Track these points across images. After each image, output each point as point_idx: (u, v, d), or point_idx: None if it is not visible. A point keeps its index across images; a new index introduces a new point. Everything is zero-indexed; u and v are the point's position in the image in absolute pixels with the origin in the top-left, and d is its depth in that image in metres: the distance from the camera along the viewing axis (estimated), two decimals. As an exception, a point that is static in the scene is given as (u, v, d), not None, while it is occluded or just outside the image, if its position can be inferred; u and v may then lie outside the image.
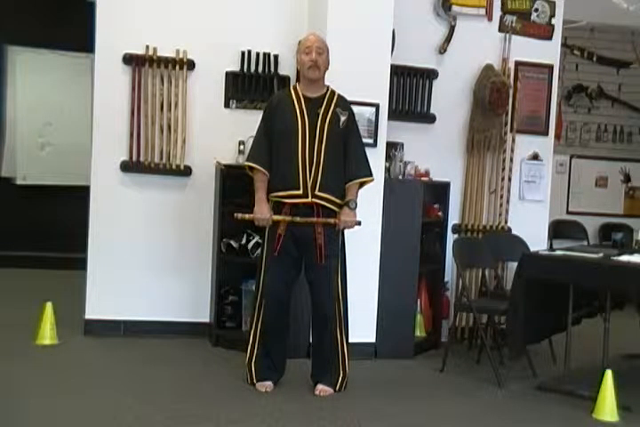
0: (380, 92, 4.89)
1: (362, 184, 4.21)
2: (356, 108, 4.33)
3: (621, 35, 7.82)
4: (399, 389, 4.41)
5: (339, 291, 4.16)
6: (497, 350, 4.96)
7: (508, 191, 5.68)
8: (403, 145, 5.24)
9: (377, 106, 4.86)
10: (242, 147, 5.08)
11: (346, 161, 4.15)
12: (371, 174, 4.21)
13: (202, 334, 5.16)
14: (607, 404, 3.97)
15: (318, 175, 4.06)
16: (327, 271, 4.13)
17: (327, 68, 4.18)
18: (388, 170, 5.05)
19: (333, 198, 4.12)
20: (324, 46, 4.16)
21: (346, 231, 4.21)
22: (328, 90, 4.19)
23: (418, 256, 5.06)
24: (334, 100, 4.16)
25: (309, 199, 4.07)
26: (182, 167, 5.19)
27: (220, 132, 5.21)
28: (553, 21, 5.76)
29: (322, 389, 4.16)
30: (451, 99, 5.51)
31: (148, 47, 5.11)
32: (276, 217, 4.10)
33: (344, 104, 4.20)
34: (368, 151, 4.28)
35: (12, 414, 3.58)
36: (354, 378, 4.30)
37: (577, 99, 8.02)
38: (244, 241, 5.00)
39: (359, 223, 4.19)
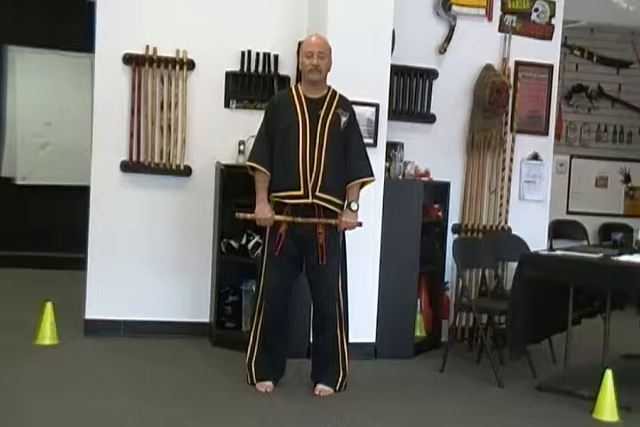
0: (380, 92, 4.89)
1: (363, 184, 4.21)
2: (356, 108, 4.32)
3: (621, 35, 7.82)
4: (399, 389, 4.41)
5: (339, 291, 4.16)
6: (497, 350, 4.96)
7: (508, 191, 5.68)
8: (403, 145, 5.24)
9: (377, 106, 4.86)
10: (242, 147, 5.08)
11: (347, 161, 4.15)
12: (372, 174, 4.21)
13: (202, 334, 5.16)
14: (607, 404, 3.97)
15: (319, 176, 4.06)
16: (327, 272, 4.13)
17: (329, 70, 4.17)
18: (388, 170, 5.05)
19: (334, 199, 4.11)
20: (327, 49, 4.15)
21: (346, 231, 4.21)
22: (329, 90, 4.19)
23: (418, 256, 5.06)
24: (335, 101, 4.16)
25: (310, 200, 4.07)
26: (182, 167, 5.19)
27: (220, 132, 5.21)
28: (553, 21, 5.76)
29: (322, 389, 4.16)
30: (451, 99, 5.51)
31: (148, 47, 5.11)
32: (278, 217, 4.10)
33: (345, 105, 4.20)
34: (368, 151, 4.28)
35: (12, 414, 3.58)
36: (354, 378, 4.30)
37: (577, 99, 8.02)
38: (244, 241, 5.00)
39: (360, 224, 4.19)
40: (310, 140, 4.07)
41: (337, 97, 4.18)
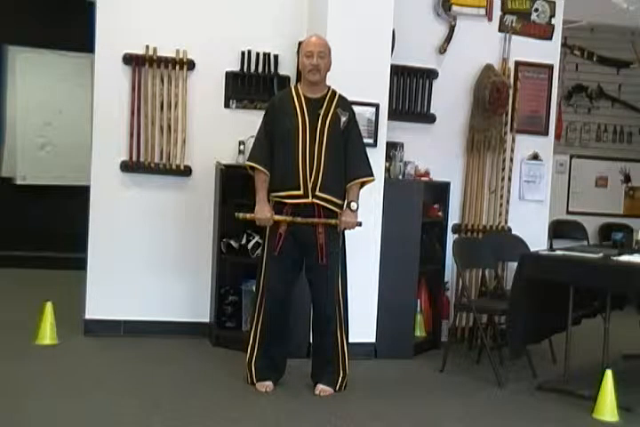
0: (380, 92, 4.89)
1: (363, 184, 4.21)
2: (356, 108, 4.32)
3: (621, 35, 7.81)
4: (399, 389, 4.41)
5: (339, 291, 4.15)
6: (497, 350, 4.96)
7: (508, 191, 5.68)
8: (403, 145, 5.25)
9: (377, 106, 4.86)
10: (242, 147, 5.08)
11: (346, 161, 4.15)
12: (371, 174, 4.21)
13: (202, 334, 5.17)
14: (607, 404, 3.97)
15: (319, 176, 4.06)
16: (327, 271, 4.12)
17: (329, 70, 4.18)
18: (388, 170, 5.05)
19: (334, 199, 4.11)
20: (326, 49, 4.15)
21: (346, 231, 4.21)
22: (329, 90, 4.19)
23: (418, 256, 5.06)
24: (335, 101, 4.16)
25: (310, 200, 4.07)
26: (182, 167, 5.19)
27: (220, 132, 5.21)
28: (553, 21, 5.76)
29: (322, 389, 4.16)
30: (451, 99, 5.51)
31: (148, 47, 5.11)
32: (277, 217, 4.10)
33: (345, 104, 4.20)
34: (368, 151, 4.28)
35: (12, 414, 3.58)
36: (354, 378, 4.30)
37: (577, 99, 8.02)
38: (244, 241, 5.00)
39: (360, 224, 4.19)
40: (310, 140, 4.07)
41: (337, 97, 4.18)
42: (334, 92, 4.20)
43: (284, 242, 4.11)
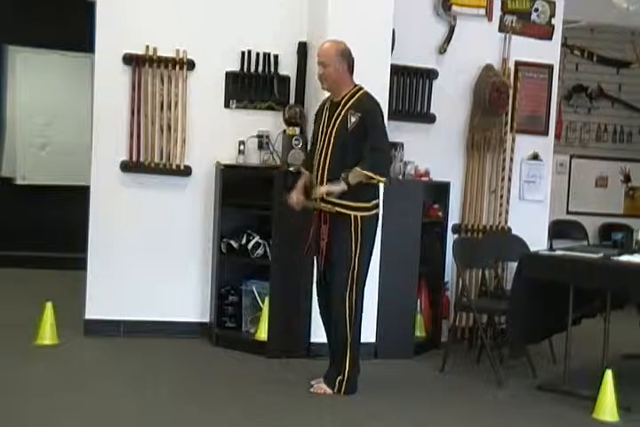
0: (380, 92, 4.87)
1: (370, 179, 4.05)
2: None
3: (621, 35, 7.82)
4: (399, 389, 4.41)
5: (344, 290, 4.10)
6: (497, 350, 4.96)
7: (508, 191, 5.68)
8: (403, 145, 5.24)
9: (377, 106, 4.86)
10: (242, 147, 5.08)
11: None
12: (371, 169, 4.02)
13: (202, 334, 5.17)
14: (607, 404, 3.97)
15: (324, 179, 4.09)
16: (334, 268, 4.13)
17: (346, 71, 4.14)
18: (387, 170, 5.05)
19: (341, 201, 4.06)
20: (328, 58, 4.12)
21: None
22: (349, 92, 4.16)
23: (418, 256, 5.07)
24: (351, 102, 4.12)
25: (317, 202, 4.12)
26: (182, 167, 5.19)
27: (219, 132, 5.21)
28: (553, 21, 5.76)
29: (317, 387, 4.17)
30: (451, 99, 5.51)
31: (148, 47, 5.11)
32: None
33: (360, 105, 4.11)
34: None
35: (12, 414, 3.58)
36: (354, 378, 4.30)
37: (577, 99, 8.02)
38: (244, 241, 5.00)
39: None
40: (322, 143, 4.13)
41: (355, 98, 4.13)
42: (354, 94, 4.15)
43: (311, 243, 4.21)
